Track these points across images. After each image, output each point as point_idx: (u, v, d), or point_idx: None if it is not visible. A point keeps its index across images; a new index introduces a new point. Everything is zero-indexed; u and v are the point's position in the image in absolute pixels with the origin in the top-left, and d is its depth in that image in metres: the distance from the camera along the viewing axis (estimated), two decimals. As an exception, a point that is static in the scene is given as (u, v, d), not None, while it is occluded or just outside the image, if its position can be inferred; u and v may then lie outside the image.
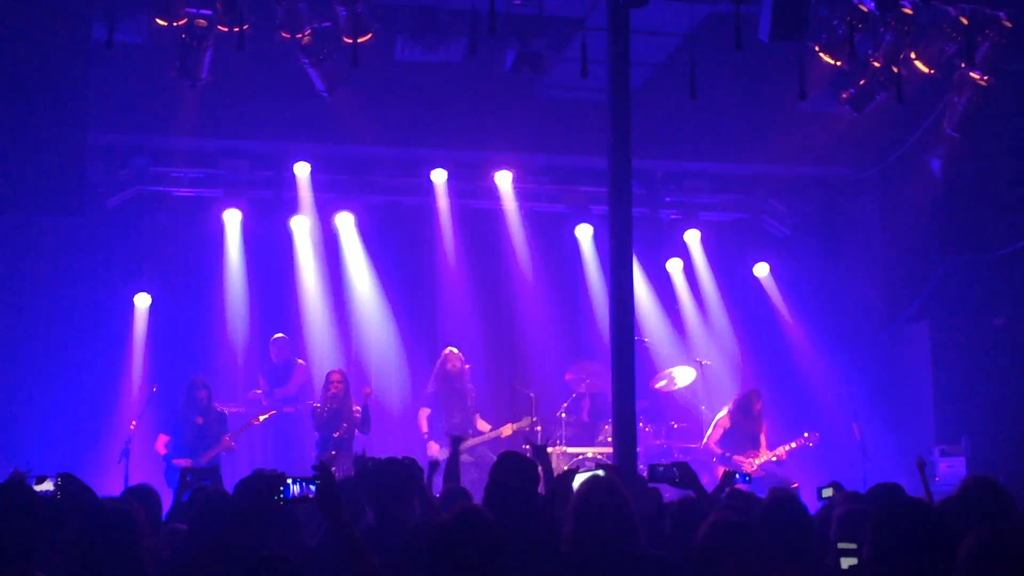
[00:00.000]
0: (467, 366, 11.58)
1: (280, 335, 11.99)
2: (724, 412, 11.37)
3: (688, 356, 12.87)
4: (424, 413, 11.39)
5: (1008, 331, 11.73)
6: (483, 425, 11.52)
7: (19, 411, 11.07)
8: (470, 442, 11.09)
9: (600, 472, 5.57)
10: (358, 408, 10.85)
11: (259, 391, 11.67)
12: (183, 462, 10.02)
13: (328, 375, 10.94)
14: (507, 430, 11.38)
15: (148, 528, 4.57)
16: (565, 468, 11.13)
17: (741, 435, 11.16)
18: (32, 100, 9.41)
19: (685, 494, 5.74)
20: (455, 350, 11.58)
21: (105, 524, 4.04)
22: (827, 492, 6.06)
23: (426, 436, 11.20)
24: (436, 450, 10.95)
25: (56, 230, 11.38)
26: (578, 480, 5.02)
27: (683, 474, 5.73)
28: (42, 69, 9.44)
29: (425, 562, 3.87)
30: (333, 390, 10.74)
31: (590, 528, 4.46)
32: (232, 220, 12.44)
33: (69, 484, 4.11)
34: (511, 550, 4.45)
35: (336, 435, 10.68)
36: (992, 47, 9.91)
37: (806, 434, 11.26)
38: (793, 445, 11.13)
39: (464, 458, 10.84)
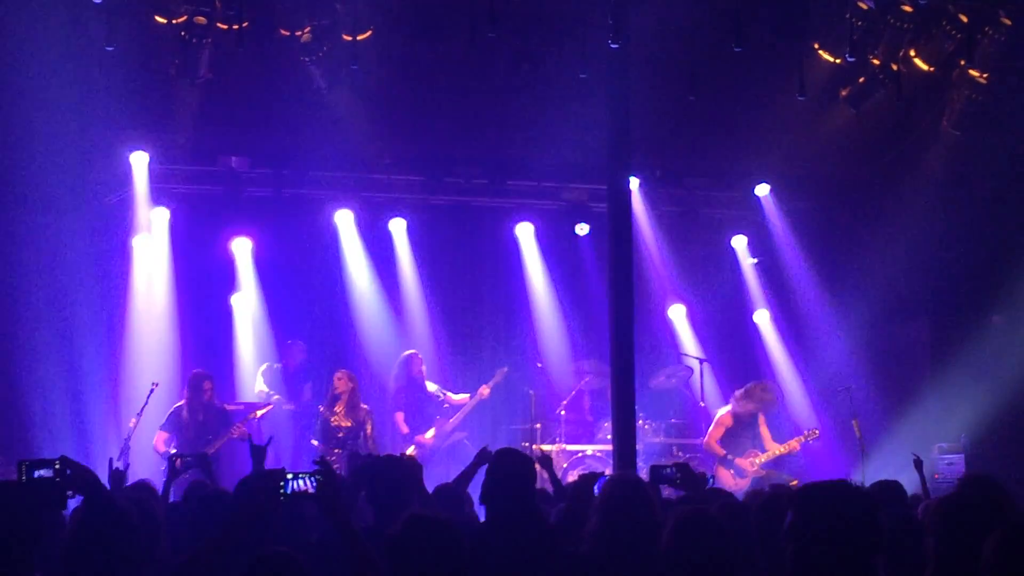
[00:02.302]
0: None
1: (291, 341, 11.98)
2: (726, 410, 11.33)
3: (688, 353, 12.87)
4: (401, 416, 11.36)
5: (1006, 329, 11.73)
6: (457, 398, 11.52)
7: (18, 408, 11.06)
8: (455, 419, 11.15)
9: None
10: (365, 406, 10.88)
11: (272, 396, 11.55)
12: None
13: (334, 375, 10.98)
14: (484, 391, 11.44)
15: (147, 525, 4.58)
16: (567, 472, 11.19)
17: (743, 433, 11.13)
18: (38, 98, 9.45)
19: (685, 494, 5.76)
20: (418, 353, 11.57)
21: (104, 521, 4.04)
22: None
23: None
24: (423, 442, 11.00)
25: (55, 226, 11.36)
26: None
27: (684, 475, 5.74)
28: (45, 66, 9.47)
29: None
30: (339, 390, 10.78)
31: (616, 524, 4.48)
32: (232, 217, 12.43)
33: (68, 466, 4.11)
34: (509, 549, 4.47)
35: (340, 435, 10.70)
36: (992, 44, 9.91)
37: (806, 431, 11.25)
38: (794, 444, 11.11)
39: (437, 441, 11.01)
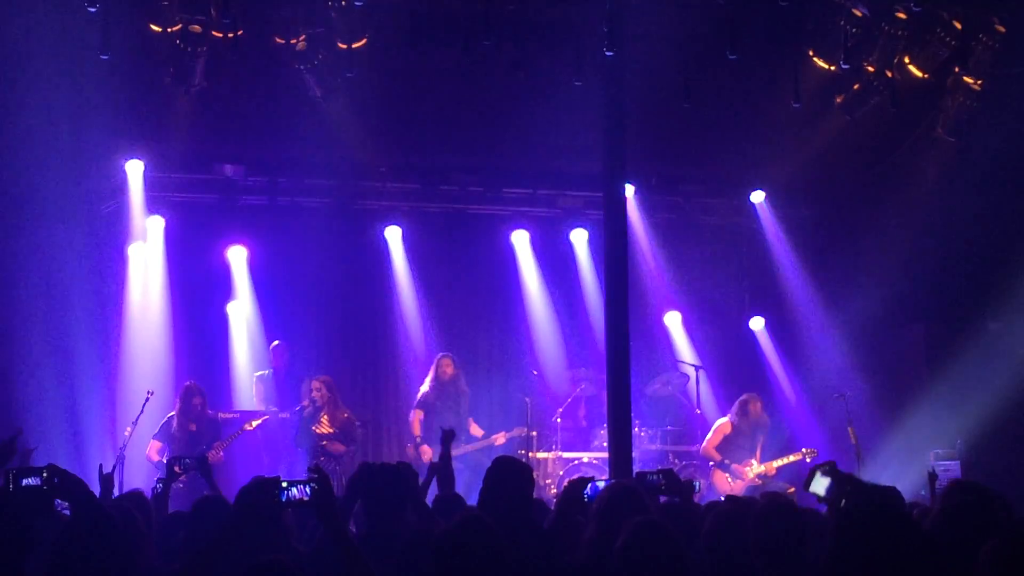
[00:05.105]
0: (458, 371, 11.54)
1: (278, 342, 12.00)
2: (725, 419, 11.36)
3: (684, 360, 12.86)
4: (417, 416, 11.33)
5: (1003, 335, 11.74)
6: (476, 430, 11.48)
7: (13, 416, 11.02)
8: (462, 448, 11.06)
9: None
10: (346, 412, 10.85)
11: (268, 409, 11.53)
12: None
13: (310, 382, 10.97)
14: (500, 438, 11.37)
15: (140, 534, 4.57)
16: (563, 479, 11.17)
17: (741, 443, 11.14)
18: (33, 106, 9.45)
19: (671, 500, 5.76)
20: (449, 356, 11.57)
21: (96, 529, 4.03)
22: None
23: (419, 440, 11.14)
24: (429, 454, 10.91)
25: (50, 234, 11.34)
26: None
27: (669, 481, 5.74)
28: (39, 74, 9.47)
29: (423, 570, 3.86)
30: (314, 396, 10.77)
31: (612, 533, 4.48)
32: (227, 225, 12.42)
33: (55, 474, 4.11)
34: (511, 556, 4.45)
35: (324, 443, 10.71)
36: (986, 51, 9.94)
37: (804, 450, 11.24)
38: (791, 459, 11.11)
39: (454, 463, 10.82)
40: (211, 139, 11.79)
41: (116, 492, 7.95)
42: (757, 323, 13.49)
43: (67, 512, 4.40)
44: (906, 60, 10.10)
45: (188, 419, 10.57)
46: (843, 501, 4.20)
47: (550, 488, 11.31)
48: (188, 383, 10.85)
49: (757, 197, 13.34)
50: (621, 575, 4.06)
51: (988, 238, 11.69)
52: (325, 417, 10.80)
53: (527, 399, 11.82)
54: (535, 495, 6.20)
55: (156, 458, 10.47)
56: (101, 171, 11.70)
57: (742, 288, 13.77)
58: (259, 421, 10.85)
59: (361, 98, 10.57)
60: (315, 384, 10.90)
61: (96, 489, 5.46)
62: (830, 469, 4.39)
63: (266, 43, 9.56)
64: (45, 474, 4.10)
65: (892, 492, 5.80)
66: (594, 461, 11.41)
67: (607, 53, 8.75)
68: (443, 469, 6.53)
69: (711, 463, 11.18)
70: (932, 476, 7.35)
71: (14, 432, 7.04)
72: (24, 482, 4.09)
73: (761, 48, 9.76)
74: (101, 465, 6.03)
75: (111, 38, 9.02)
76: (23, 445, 7.94)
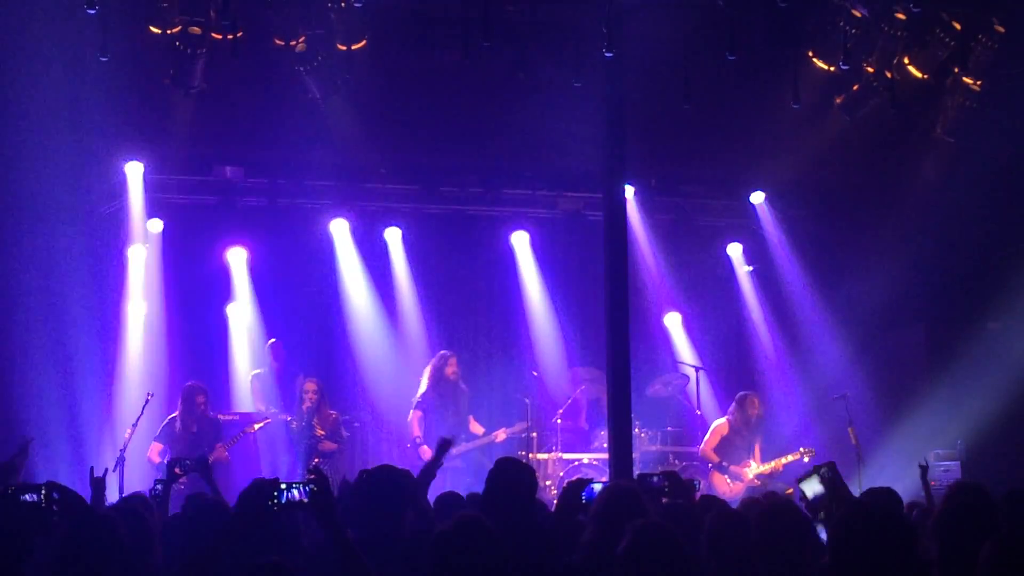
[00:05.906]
0: (458, 370, 11.55)
1: (275, 340, 12.01)
2: (723, 419, 11.35)
3: (684, 361, 12.86)
4: (416, 416, 11.29)
5: (1002, 335, 11.74)
6: (476, 428, 11.48)
7: (12, 419, 11.02)
8: (463, 447, 11.06)
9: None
10: (334, 412, 10.87)
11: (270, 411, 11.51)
12: None
13: (304, 383, 10.97)
14: (501, 435, 11.36)
15: (139, 538, 4.56)
16: (563, 480, 11.17)
17: (739, 443, 11.14)
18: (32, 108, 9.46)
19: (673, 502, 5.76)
20: (451, 355, 11.56)
21: (97, 533, 4.03)
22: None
23: (419, 440, 11.11)
24: (429, 454, 10.90)
25: (50, 236, 11.34)
26: None
27: (672, 484, 5.73)
28: (39, 76, 9.48)
29: (423, 570, 3.86)
30: (309, 400, 10.77)
31: (611, 534, 4.48)
32: (227, 227, 12.42)
33: (54, 491, 4.11)
34: (510, 557, 4.46)
35: (317, 444, 10.73)
36: (985, 52, 9.95)
37: (802, 449, 11.24)
38: (788, 459, 11.11)
39: (456, 463, 10.83)
40: (211, 141, 11.79)
41: (118, 495, 7.96)
42: (756, 323, 13.47)
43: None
44: (906, 61, 10.10)
45: (191, 419, 10.54)
46: (822, 514, 4.19)
47: (550, 489, 11.31)
48: (191, 383, 10.81)
49: (757, 198, 13.32)
50: None
51: (988, 238, 11.70)
52: (316, 419, 10.80)
53: (527, 400, 11.81)
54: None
55: (157, 460, 10.46)
56: (101, 173, 11.69)
57: (742, 289, 13.75)
58: (262, 424, 10.85)
59: (361, 99, 10.57)
60: (310, 386, 10.89)
61: (87, 493, 5.46)
62: (831, 477, 4.36)
63: (266, 45, 9.56)
64: (44, 491, 4.11)
65: (889, 493, 5.81)
66: (594, 462, 11.42)
67: (607, 54, 8.75)
68: (430, 467, 6.51)
69: (709, 465, 11.18)
70: (924, 469, 7.32)
71: (18, 450, 7.04)
72: (23, 499, 4.10)
73: (761, 49, 9.77)
74: (92, 468, 6.01)
75: (111, 40, 9.01)
76: (22, 439, 7.95)
